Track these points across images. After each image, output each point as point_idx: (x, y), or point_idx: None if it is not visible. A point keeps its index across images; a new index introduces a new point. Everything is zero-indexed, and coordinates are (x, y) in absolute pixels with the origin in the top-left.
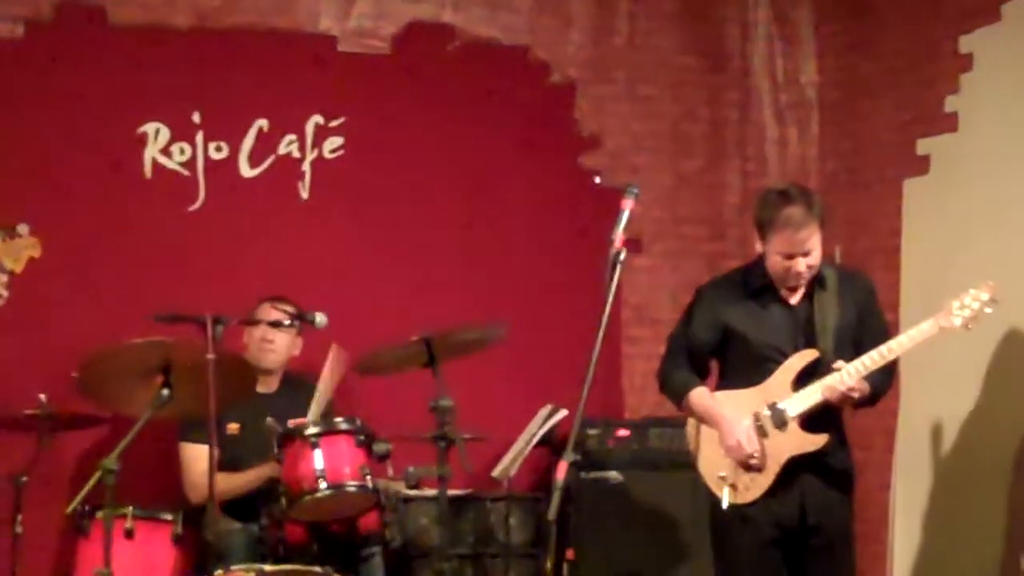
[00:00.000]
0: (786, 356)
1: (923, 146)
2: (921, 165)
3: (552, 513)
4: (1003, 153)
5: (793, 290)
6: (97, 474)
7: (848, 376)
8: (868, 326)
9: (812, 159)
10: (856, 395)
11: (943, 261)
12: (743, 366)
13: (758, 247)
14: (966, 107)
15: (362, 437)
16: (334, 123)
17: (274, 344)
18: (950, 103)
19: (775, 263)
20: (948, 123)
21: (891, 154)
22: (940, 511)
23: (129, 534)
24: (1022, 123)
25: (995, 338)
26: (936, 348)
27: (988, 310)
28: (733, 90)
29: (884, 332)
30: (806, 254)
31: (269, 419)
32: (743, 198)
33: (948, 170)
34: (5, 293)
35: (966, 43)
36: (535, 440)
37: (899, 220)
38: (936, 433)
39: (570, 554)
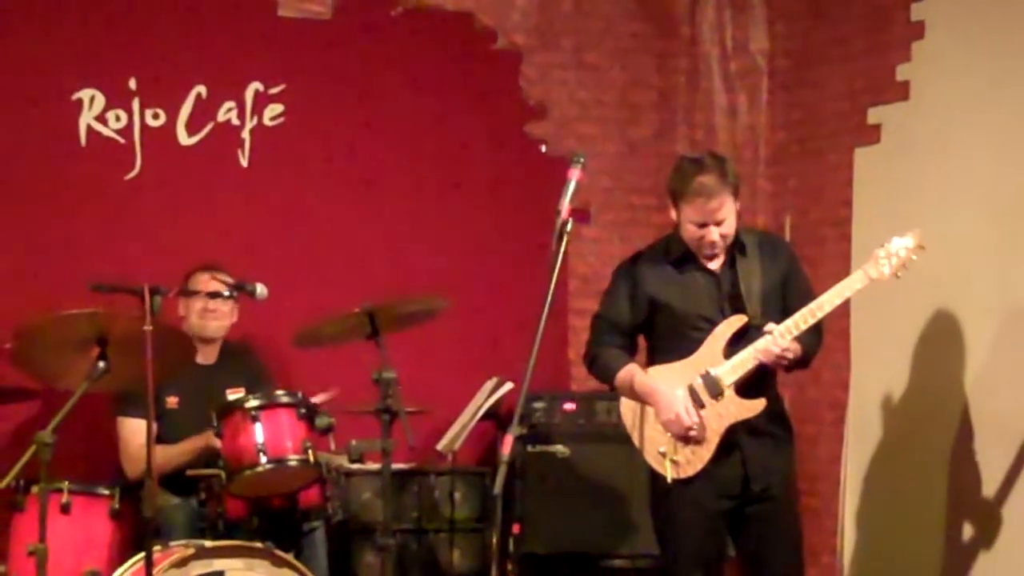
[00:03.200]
0: (714, 324)
1: (874, 115)
2: (872, 134)
3: (498, 487)
4: (954, 122)
5: (712, 257)
6: (32, 448)
7: (781, 337)
8: (794, 286)
9: (762, 128)
10: (791, 355)
11: (894, 231)
12: (672, 338)
13: (672, 215)
14: (917, 76)
15: (303, 410)
16: (274, 90)
17: (217, 312)
18: (901, 72)
19: (688, 231)
20: (899, 92)
21: (842, 123)
22: (891, 485)
23: (65, 509)
24: (973, 91)
25: (946, 310)
26: (887, 320)
27: (915, 257)
28: (682, 58)
29: (809, 291)
30: (719, 223)
31: None
32: None
33: (899, 139)
34: None
35: (918, 11)
36: (480, 413)
37: (850, 190)
38: (887, 406)
39: (516, 528)
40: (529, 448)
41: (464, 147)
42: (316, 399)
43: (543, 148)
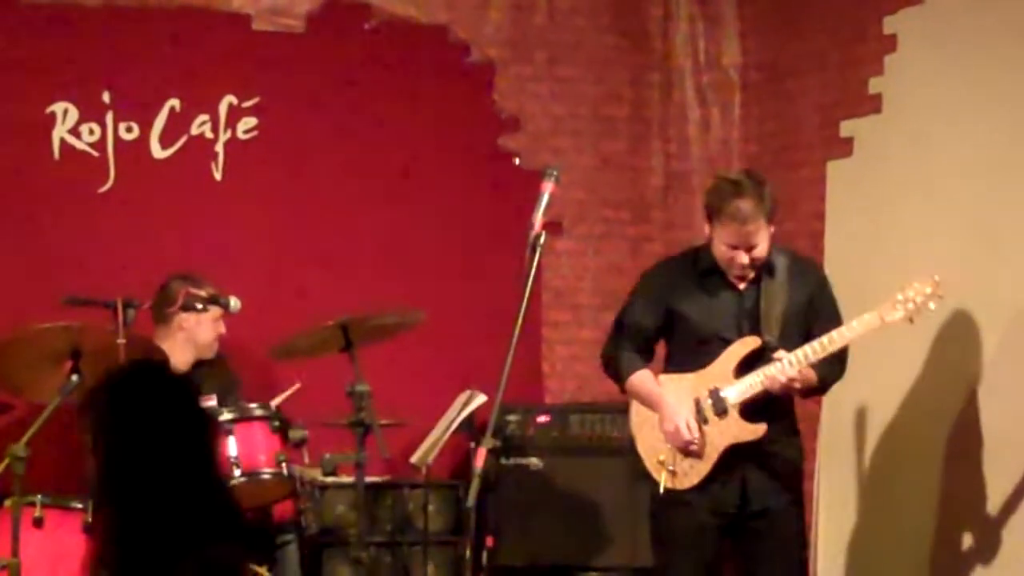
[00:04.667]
0: (729, 342)
1: (847, 128)
2: (845, 147)
3: (471, 500)
4: (926, 135)
5: (742, 278)
6: (5, 461)
7: (788, 366)
8: (820, 314)
9: (735, 141)
10: (798, 385)
11: (867, 244)
12: (687, 350)
13: (706, 230)
14: (890, 89)
15: (277, 423)
16: (248, 103)
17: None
18: (874, 84)
19: (720, 251)
20: (872, 104)
21: (815, 136)
22: (865, 498)
23: (38, 523)
24: (945, 104)
25: (919, 323)
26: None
27: (932, 304)
28: (655, 71)
29: (835, 316)
30: (751, 248)
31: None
32: (666, 180)
33: (872, 152)
34: None
35: (890, 24)
36: (454, 426)
37: (823, 203)
38: (860, 420)
39: (489, 541)
40: (503, 461)
41: (438, 160)
42: (281, 397)
43: (517, 161)
